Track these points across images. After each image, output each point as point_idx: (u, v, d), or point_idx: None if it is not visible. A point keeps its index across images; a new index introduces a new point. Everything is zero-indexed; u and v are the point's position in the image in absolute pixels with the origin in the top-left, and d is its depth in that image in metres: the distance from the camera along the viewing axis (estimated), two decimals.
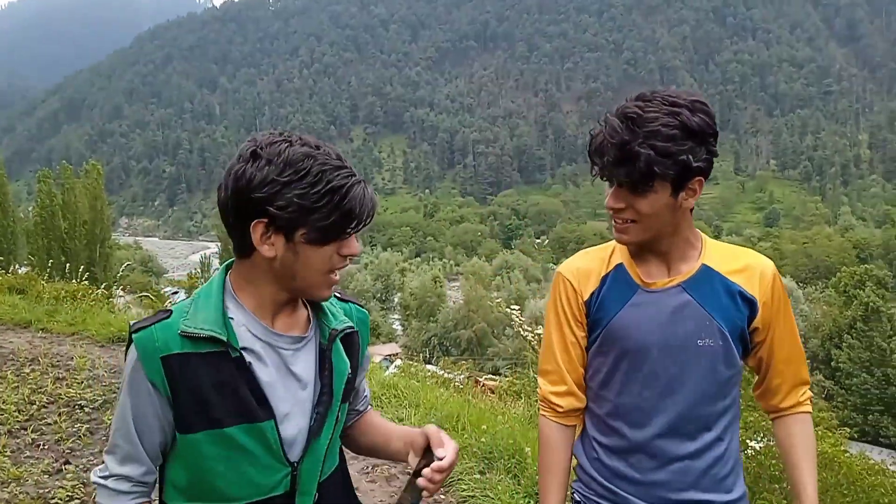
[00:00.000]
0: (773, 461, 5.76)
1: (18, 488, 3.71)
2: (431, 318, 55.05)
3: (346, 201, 1.23)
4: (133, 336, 1.27)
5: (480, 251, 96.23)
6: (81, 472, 3.97)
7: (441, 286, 64.37)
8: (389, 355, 28.34)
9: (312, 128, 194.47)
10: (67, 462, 4.11)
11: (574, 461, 1.72)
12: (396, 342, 48.19)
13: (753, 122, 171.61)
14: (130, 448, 1.29)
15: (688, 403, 1.54)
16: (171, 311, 1.30)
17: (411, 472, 1.38)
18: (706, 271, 1.55)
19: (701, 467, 1.56)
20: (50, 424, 4.71)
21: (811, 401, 1.68)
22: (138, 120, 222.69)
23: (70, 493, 3.66)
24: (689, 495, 1.57)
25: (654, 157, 1.38)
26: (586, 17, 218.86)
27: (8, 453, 4.17)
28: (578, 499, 1.70)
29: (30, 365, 6.26)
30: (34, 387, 5.53)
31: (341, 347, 1.39)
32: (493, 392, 7.60)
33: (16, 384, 5.59)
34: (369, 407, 1.62)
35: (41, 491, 3.70)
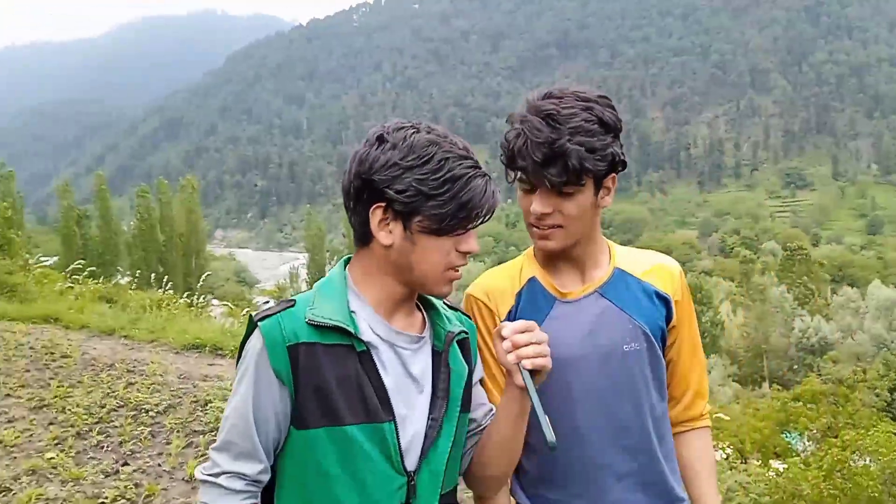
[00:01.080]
0: (871, 482, 5.37)
1: (76, 487, 3.88)
2: None
3: (465, 192, 1.20)
4: (259, 324, 1.22)
5: None
6: (137, 473, 4.12)
7: None
8: None
9: None
10: (126, 463, 4.26)
11: (511, 502, 1.58)
12: None
13: (852, 124, 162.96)
14: (247, 444, 1.23)
15: (626, 413, 1.48)
16: (294, 301, 1.26)
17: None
18: (620, 275, 1.51)
19: (651, 478, 1.51)
20: (116, 427, 4.90)
21: (710, 416, 1.64)
22: (231, 136, 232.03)
23: (121, 493, 3.80)
24: None
25: (584, 153, 1.31)
26: (671, 21, 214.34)
27: (73, 454, 4.37)
28: None
29: (107, 370, 6.56)
30: (107, 391, 5.78)
31: (458, 350, 1.35)
32: None
33: (90, 388, 5.86)
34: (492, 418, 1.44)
35: (96, 490, 3.85)
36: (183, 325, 8.82)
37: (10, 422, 5.00)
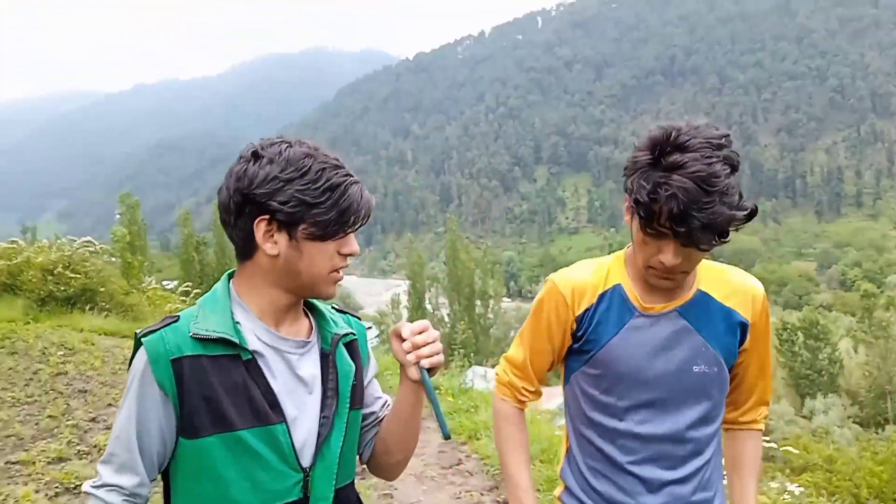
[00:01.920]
0: None
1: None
2: None
3: (344, 198, 1.27)
4: (142, 340, 1.26)
5: None
6: None
7: None
8: None
9: (497, 169, 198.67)
10: None
11: (561, 485, 1.71)
12: None
13: None
14: (128, 456, 1.26)
15: (679, 429, 1.53)
16: (178, 317, 1.30)
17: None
18: (703, 297, 1.54)
19: (688, 491, 1.56)
20: None
21: (765, 419, 1.71)
22: None
23: None
24: None
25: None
26: (785, 45, 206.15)
27: None
28: None
29: None
30: None
31: (344, 350, 1.41)
32: None
33: None
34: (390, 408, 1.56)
35: None
36: None
37: (108, 428, 5.42)
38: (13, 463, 4.51)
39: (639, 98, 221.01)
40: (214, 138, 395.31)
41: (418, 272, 49.75)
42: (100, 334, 9.64)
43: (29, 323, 9.74)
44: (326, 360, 1.38)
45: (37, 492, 4.02)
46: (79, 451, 4.84)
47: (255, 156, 1.28)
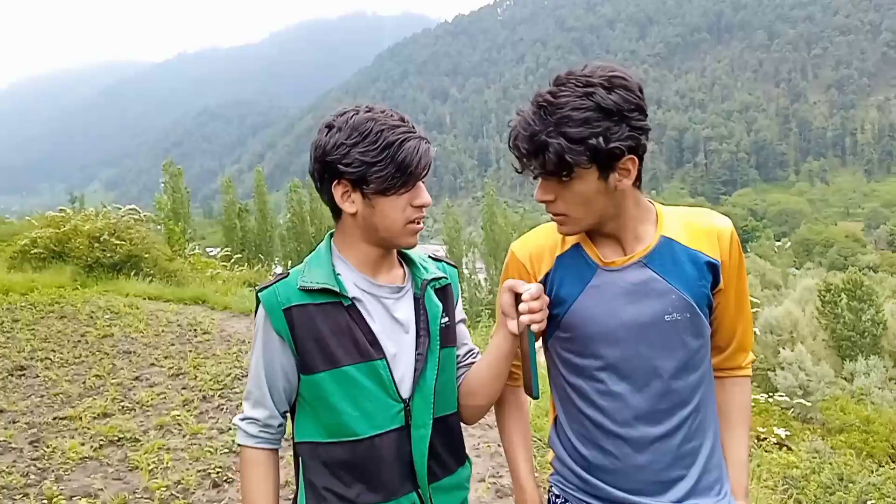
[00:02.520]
0: None
1: (192, 440, 4.47)
2: None
3: (400, 153, 1.38)
4: (258, 295, 1.46)
5: None
6: None
7: None
8: None
9: None
10: None
11: (551, 454, 1.69)
12: None
13: None
14: (259, 393, 1.49)
15: (662, 382, 1.48)
16: (289, 273, 1.49)
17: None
18: (666, 243, 1.48)
19: (675, 444, 1.50)
20: (236, 393, 5.52)
21: (752, 367, 1.65)
22: None
23: (227, 446, 4.34)
24: (669, 474, 1.50)
25: (564, 146, 1.31)
26: None
27: (196, 413, 5.00)
28: (557, 492, 1.63)
29: (238, 345, 7.30)
30: (234, 363, 6.48)
31: (433, 293, 1.53)
32: None
33: (221, 360, 6.59)
34: (477, 357, 1.66)
35: (208, 443, 4.41)
36: None
37: (150, 386, 5.75)
38: (61, 418, 4.85)
39: (683, 56, 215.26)
40: (255, 105, 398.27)
41: (455, 237, 49.94)
42: (144, 299, 10.06)
43: (77, 288, 10.21)
44: (418, 303, 1.51)
45: (82, 444, 4.33)
46: (122, 406, 5.16)
47: (329, 126, 1.43)
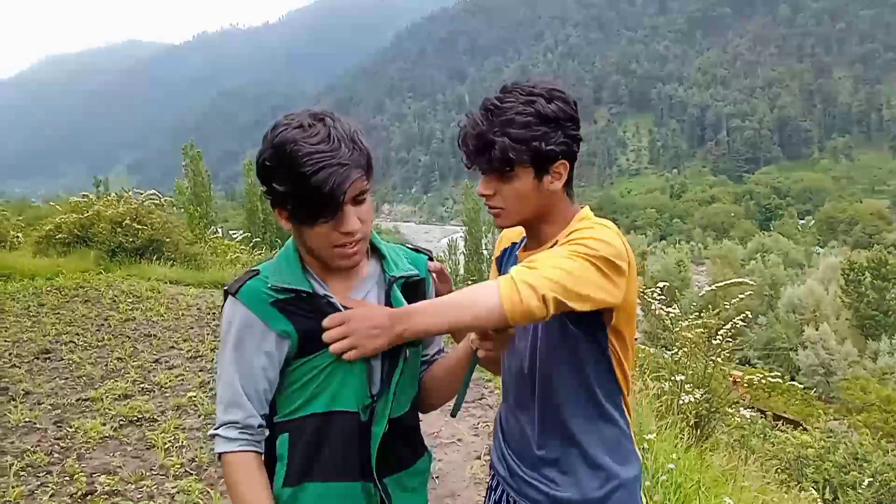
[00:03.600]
0: None
1: (207, 420, 4.67)
2: (674, 304, 53.09)
3: (310, 186, 1.28)
4: (236, 294, 1.40)
5: (733, 234, 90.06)
6: None
7: (685, 270, 61.66)
8: None
9: None
10: None
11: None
12: (637, 328, 47.23)
13: None
14: (233, 394, 1.40)
15: (541, 379, 1.60)
16: (258, 270, 1.44)
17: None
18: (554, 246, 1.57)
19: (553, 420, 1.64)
20: None
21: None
22: (397, 113, 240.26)
23: None
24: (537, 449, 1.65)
25: (509, 145, 1.44)
26: None
27: (211, 394, 5.20)
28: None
29: None
30: None
31: (398, 291, 1.51)
32: (745, 385, 6.64)
33: None
34: (444, 355, 1.68)
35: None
36: None
37: (169, 368, 5.98)
38: (84, 399, 5.08)
39: (705, 32, 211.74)
40: (275, 86, 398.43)
41: (475, 218, 49.93)
42: (166, 283, 10.31)
43: (101, 273, 10.49)
44: (386, 299, 1.50)
45: (103, 424, 4.55)
46: (142, 388, 5.38)
47: (264, 138, 1.34)
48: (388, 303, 1.49)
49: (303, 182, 1.28)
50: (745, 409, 6.42)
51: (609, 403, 1.60)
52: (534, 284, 1.33)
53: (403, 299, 1.50)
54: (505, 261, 1.77)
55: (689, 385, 4.72)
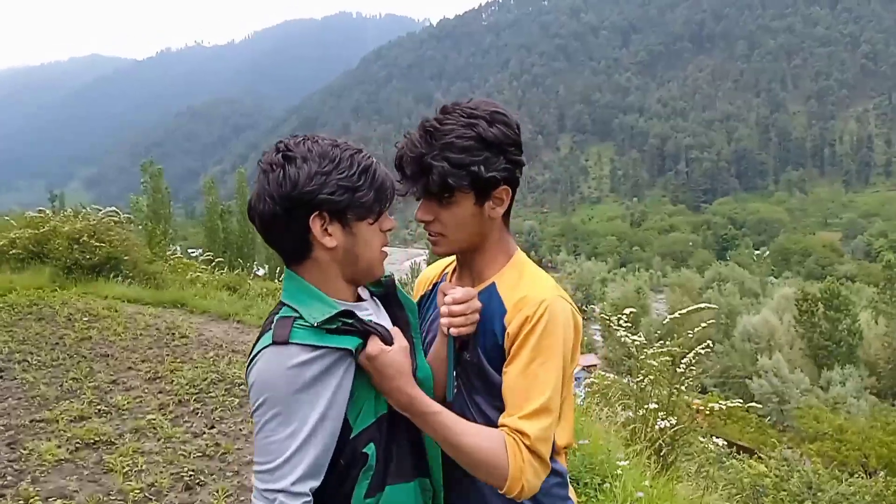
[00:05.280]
0: None
1: (167, 444, 4.56)
2: (633, 331, 53.64)
3: (377, 178, 1.37)
4: (291, 341, 1.29)
5: (691, 262, 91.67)
6: (219, 435, 4.78)
7: (644, 297, 62.48)
8: (587, 367, 28.16)
9: None
10: (212, 427, 4.93)
11: None
12: (595, 353, 47.59)
13: None
14: (316, 457, 1.31)
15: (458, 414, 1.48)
16: (294, 318, 1.34)
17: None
18: (491, 290, 1.52)
19: None
20: (212, 397, 5.61)
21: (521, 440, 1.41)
22: (363, 136, 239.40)
23: (202, 450, 4.45)
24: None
25: (448, 169, 1.40)
26: (817, 10, 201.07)
27: (171, 417, 5.09)
28: None
29: (215, 350, 7.38)
30: (210, 367, 6.55)
31: (400, 288, 1.56)
32: (706, 412, 6.55)
33: (198, 364, 6.66)
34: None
35: (183, 447, 4.51)
36: None
37: (127, 390, 5.82)
38: (38, 421, 4.91)
39: (666, 65, 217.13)
40: (239, 106, 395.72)
41: None
42: (123, 301, 10.06)
43: (56, 290, 10.19)
44: (393, 300, 1.54)
45: (59, 447, 4.40)
46: (99, 410, 5.22)
47: (288, 159, 1.33)
48: (397, 297, 1.54)
49: (368, 175, 1.35)
50: (714, 437, 6.50)
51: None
52: (538, 468, 1.38)
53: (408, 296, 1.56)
54: (427, 305, 1.70)
55: (662, 413, 4.77)
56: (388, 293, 1.55)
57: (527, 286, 1.49)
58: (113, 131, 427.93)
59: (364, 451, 1.37)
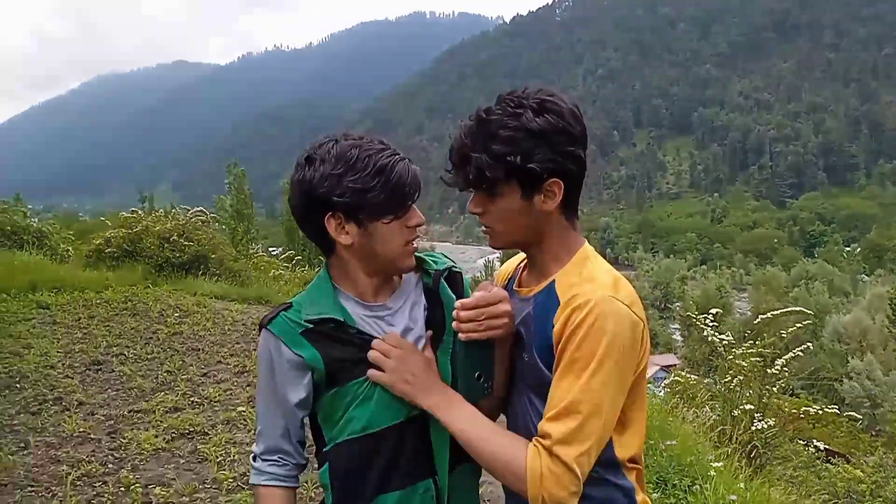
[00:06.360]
0: None
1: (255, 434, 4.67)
2: (719, 331, 52.11)
3: (393, 176, 1.37)
4: (268, 326, 1.43)
5: (776, 260, 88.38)
6: None
7: (726, 296, 60.61)
8: (666, 367, 27.55)
9: (594, 134, 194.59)
10: None
11: None
12: (675, 353, 46.47)
13: None
14: (264, 426, 1.48)
15: (520, 418, 1.50)
16: (291, 304, 1.46)
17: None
18: (550, 288, 1.44)
19: None
20: None
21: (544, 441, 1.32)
22: (436, 134, 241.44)
23: None
24: None
25: (485, 161, 1.35)
26: None
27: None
28: None
29: None
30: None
31: (446, 285, 1.53)
32: (799, 416, 6.23)
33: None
34: None
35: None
36: None
37: (217, 382, 6.01)
38: (136, 411, 5.13)
39: (747, 56, 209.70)
40: (315, 108, 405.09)
41: None
42: (211, 298, 10.41)
43: (148, 287, 10.63)
44: (431, 295, 1.52)
45: (156, 436, 4.58)
46: (192, 401, 5.41)
47: (309, 160, 1.40)
48: (437, 295, 1.51)
49: (384, 174, 1.37)
50: (812, 441, 6.27)
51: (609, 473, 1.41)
52: (560, 475, 1.27)
53: (452, 293, 1.52)
54: (508, 288, 1.61)
55: (759, 413, 4.60)
56: (434, 288, 1.53)
57: (581, 284, 1.39)
58: (197, 135, 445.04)
59: (320, 472, 1.45)
